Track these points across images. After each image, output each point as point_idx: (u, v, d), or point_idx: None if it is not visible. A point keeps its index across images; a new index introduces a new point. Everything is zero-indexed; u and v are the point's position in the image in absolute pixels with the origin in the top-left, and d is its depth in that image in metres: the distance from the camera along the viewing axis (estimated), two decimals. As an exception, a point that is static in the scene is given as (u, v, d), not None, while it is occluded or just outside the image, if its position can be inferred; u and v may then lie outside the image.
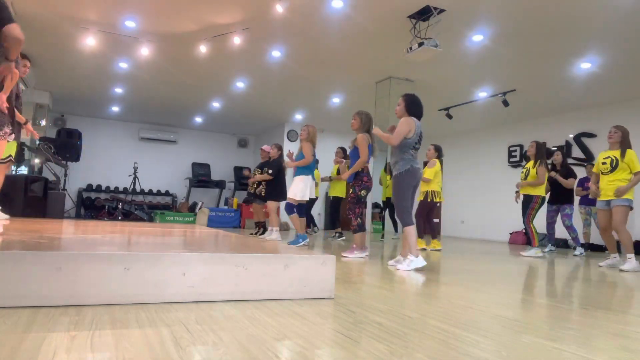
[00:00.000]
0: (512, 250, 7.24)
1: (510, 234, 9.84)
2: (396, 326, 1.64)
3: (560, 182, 6.48)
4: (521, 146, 10.33)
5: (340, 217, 8.05)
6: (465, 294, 2.51)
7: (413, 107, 3.78)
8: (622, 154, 4.57)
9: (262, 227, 7.32)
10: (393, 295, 2.33)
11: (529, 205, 5.90)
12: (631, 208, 4.57)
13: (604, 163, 4.72)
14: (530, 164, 6.02)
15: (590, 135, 8.83)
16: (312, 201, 8.49)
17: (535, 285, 3.17)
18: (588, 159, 8.73)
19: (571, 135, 9.23)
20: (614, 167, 4.60)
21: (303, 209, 5.76)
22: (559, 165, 6.74)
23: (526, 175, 5.99)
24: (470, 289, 2.68)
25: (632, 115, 8.12)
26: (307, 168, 5.45)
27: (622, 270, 4.41)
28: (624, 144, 4.62)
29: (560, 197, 6.61)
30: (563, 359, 1.35)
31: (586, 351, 1.44)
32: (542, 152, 6.03)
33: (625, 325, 1.88)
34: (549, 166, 6.93)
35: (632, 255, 4.51)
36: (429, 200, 5.99)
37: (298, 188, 5.35)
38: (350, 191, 4.47)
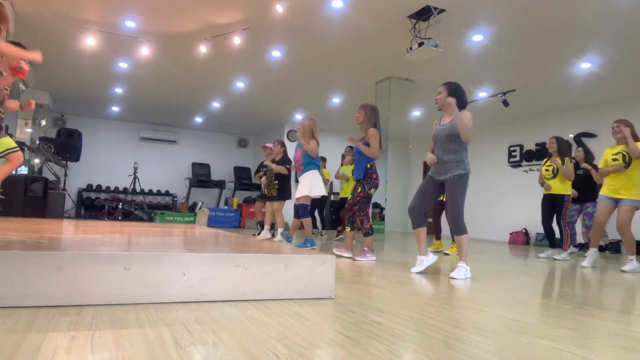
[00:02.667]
0: (512, 250, 7.24)
1: (510, 234, 9.84)
2: (396, 326, 1.64)
3: (593, 176, 6.04)
4: (521, 146, 10.33)
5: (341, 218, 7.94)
6: (465, 294, 2.51)
7: (457, 94, 3.35)
8: None
9: (271, 227, 7.06)
10: (393, 295, 2.33)
11: (561, 205, 5.68)
12: (637, 208, 4.43)
13: (614, 159, 4.53)
14: (557, 160, 5.73)
15: (590, 135, 8.83)
16: (322, 200, 8.29)
17: (536, 285, 3.17)
18: (588, 159, 8.72)
19: (571, 135, 9.23)
20: (628, 163, 4.42)
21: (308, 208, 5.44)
22: (582, 162, 6.39)
23: (555, 174, 5.72)
24: (471, 289, 2.68)
25: (632, 115, 8.09)
26: (314, 163, 5.18)
27: (623, 271, 4.36)
28: (632, 138, 4.44)
29: (583, 195, 6.39)
30: (563, 359, 1.35)
31: (586, 351, 1.44)
32: (565, 147, 5.80)
33: (625, 325, 1.88)
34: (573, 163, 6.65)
35: (634, 257, 4.42)
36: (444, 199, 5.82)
37: (308, 183, 5.08)
38: (360, 190, 4.23)
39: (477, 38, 6.06)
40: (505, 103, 8.35)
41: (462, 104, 3.36)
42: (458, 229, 3.28)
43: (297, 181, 5.50)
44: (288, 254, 2.03)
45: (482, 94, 8.60)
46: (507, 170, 10.64)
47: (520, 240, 9.46)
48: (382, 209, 10.06)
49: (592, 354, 1.41)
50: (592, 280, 3.58)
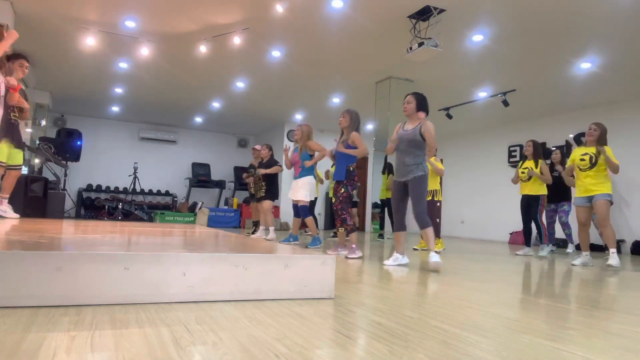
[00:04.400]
0: (512, 250, 7.24)
1: (510, 234, 9.84)
2: (396, 326, 1.64)
3: (565, 179, 6.51)
4: (521, 146, 10.33)
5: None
6: (465, 294, 2.51)
7: (424, 105, 3.84)
8: (599, 152, 4.66)
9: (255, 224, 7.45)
10: (393, 295, 2.33)
11: (537, 204, 5.95)
12: (611, 203, 4.66)
13: (582, 159, 4.78)
14: (530, 163, 6.03)
15: (590, 135, 8.83)
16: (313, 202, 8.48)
17: (535, 285, 3.17)
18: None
19: (571, 135, 9.23)
20: (593, 164, 4.68)
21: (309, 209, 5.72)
22: (558, 164, 6.81)
23: (529, 176, 5.99)
24: (470, 289, 2.68)
25: (632, 115, 8.12)
26: (311, 168, 5.46)
27: (609, 266, 4.52)
28: (601, 141, 4.71)
29: (558, 195, 6.72)
30: (563, 359, 1.35)
31: (586, 351, 1.44)
32: (540, 151, 6.08)
33: (625, 325, 1.88)
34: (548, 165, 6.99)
35: (615, 250, 4.61)
36: (435, 199, 6.01)
37: (308, 189, 5.36)
38: (343, 190, 4.46)
39: (477, 38, 6.06)
40: (505, 103, 8.35)
41: (422, 110, 3.86)
42: (423, 222, 3.66)
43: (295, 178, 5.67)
44: (288, 254, 2.03)
45: (482, 94, 8.60)
46: (507, 170, 10.64)
47: (521, 240, 9.44)
48: (382, 209, 10.05)
49: (592, 354, 1.41)
50: (592, 280, 3.58)
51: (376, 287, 2.56)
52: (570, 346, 1.49)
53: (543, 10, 5.22)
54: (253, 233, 7.17)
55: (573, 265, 4.81)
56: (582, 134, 8.92)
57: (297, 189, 5.41)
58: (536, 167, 5.96)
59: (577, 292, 2.89)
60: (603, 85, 7.63)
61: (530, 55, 6.58)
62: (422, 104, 3.83)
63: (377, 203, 10.02)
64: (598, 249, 7.88)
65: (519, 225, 9.81)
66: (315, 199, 7.46)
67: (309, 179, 5.40)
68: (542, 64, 6.89)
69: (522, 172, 6.11)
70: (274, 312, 1.73)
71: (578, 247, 7.86)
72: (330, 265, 2.08)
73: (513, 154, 10.54)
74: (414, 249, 5.86)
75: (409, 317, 1.81)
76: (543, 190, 6.01)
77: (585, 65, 6.81)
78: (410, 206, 3.79)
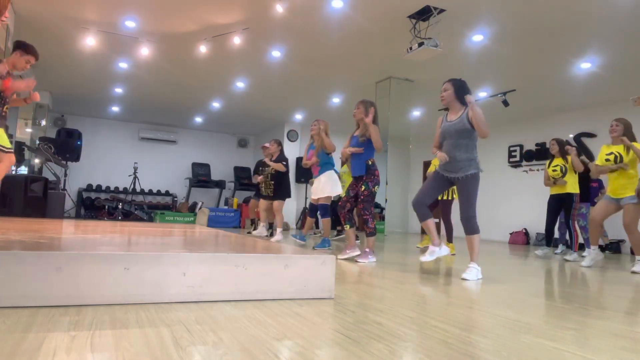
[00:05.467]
0: (512, 250, 7.24)
1: (510, 234, 9.84)
2: (396, 326, 1.64)
3: (591, 169, 6.17)
4: (521, 146, 10.33)
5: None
6: (465, 294, 2.51)
7: (464, 89, 3.34)
8: (627, 150, 4.40)
9: (269, 226, 7.13)
10: (393, 295, 2.33)
11: (571, 203, 5.71)
12: None
13: (607, 159, 4.54)
14: (559, 161, 5.84)
15: (590, 135, 8.84)
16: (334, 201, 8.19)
17: (536, 285, 3.17)
18: (588, 159, 8.71)
19: (571, 135, 9.23)
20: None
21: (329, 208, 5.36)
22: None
23: (563, 173, 5.75)
24: (471, 289, 2.68)
25: (632, 115, 8.08)
26: (330, 163, 5.25)
27: (633, 272, 4.25)
28: (628, 137, 4.42)
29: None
30: (563, 359, 1.35)
31: (586, 351, 1.44)
32: (564, 148, 5.91)
33: (625, 325, 1.88)
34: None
35: None
36: (449, 198, 5.64)
37: (327, 185, 5.14)
38: (363, 188, 4.06)
39: (477, 38, 6.06)
40: (505, 103, 8.35)
41: (461, 97, 3.32)
42: (472, 228, 3.22)
43: (298, 181, 5.54)
44: (288, 254, 2.03)
45: (482, 94, 8.60)
46: (507, 170, 10.64)
47: (520, 240, 9.46)
48: (382, 208, 10.06)
49: (592, 354, 1.41)
50: (593, 280, 3.58)
51: (376, 287, 2.56)
52: (570, 346, 1.49)
53: (543, 10, 5.22)
54: (254, 230, 7.06)
55: (581, 266, 4.59)
56: (583, 134, 8.96)
57: (319, 186, 5.17)
58: (567, 163, 5.75)
59: (578, 292, 2.89)
60: (603, 85, 7.63)
61: (530, 55, 6.58)
62: (461, 89, 3.32)
63: (377, 203, 10.03)
64: (603, 249, 7.88)
65: (519, 225, 9.83)
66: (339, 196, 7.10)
67: (330, 172, 5.18)
68: (542, 64, 6.89)
69: (554, 170, 5.85)
70: (274, 312, 1.73)
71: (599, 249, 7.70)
72: (330, 265, 2.08)
73: (513, 154, 10.54)
74: (417, 247, 5.80)
75: (409, 317, 1.81)
76: (576, 189, 5.73)
77: (585, 65, 6.82)
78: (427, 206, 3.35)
